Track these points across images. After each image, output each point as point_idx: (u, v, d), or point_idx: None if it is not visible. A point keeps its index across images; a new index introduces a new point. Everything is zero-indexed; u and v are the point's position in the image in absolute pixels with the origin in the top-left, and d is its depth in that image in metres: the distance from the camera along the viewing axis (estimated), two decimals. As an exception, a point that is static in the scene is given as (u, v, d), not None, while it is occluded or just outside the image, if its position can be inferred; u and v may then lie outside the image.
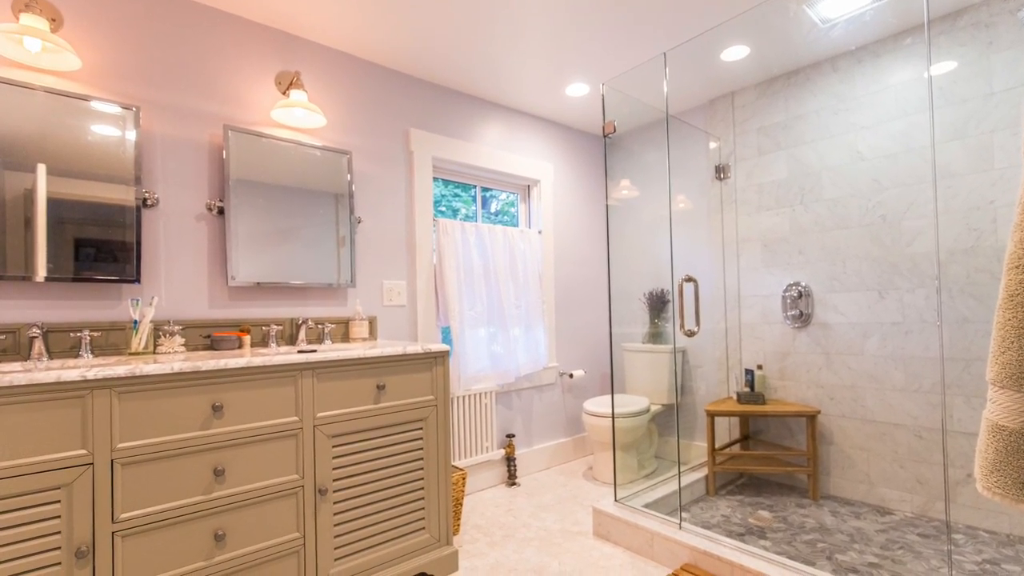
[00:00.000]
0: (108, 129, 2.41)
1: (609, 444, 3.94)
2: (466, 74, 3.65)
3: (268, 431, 2.16)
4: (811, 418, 3.44)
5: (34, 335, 2.17)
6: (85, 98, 2.36)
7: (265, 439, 2.16)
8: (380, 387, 2.49)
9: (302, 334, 2.91)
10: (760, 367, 3.85)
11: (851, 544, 2.90)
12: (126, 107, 2.46)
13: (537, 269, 4.26)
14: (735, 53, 3.51)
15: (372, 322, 3.32)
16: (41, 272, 2.23)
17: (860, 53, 3.44)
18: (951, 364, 3.08)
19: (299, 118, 2.98)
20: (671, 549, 2.72)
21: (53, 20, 2.36)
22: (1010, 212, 2.90)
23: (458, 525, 3.12)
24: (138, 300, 2.41)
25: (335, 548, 2.33)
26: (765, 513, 3.32)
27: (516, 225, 4.51)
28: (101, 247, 2.37)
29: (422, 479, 2.63)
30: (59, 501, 1.74)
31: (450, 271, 3.64)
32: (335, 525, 2.33)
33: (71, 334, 2.30)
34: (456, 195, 4.13)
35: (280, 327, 2.86)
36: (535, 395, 4.36)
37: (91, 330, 2.37)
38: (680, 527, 2.78)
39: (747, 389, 3.89)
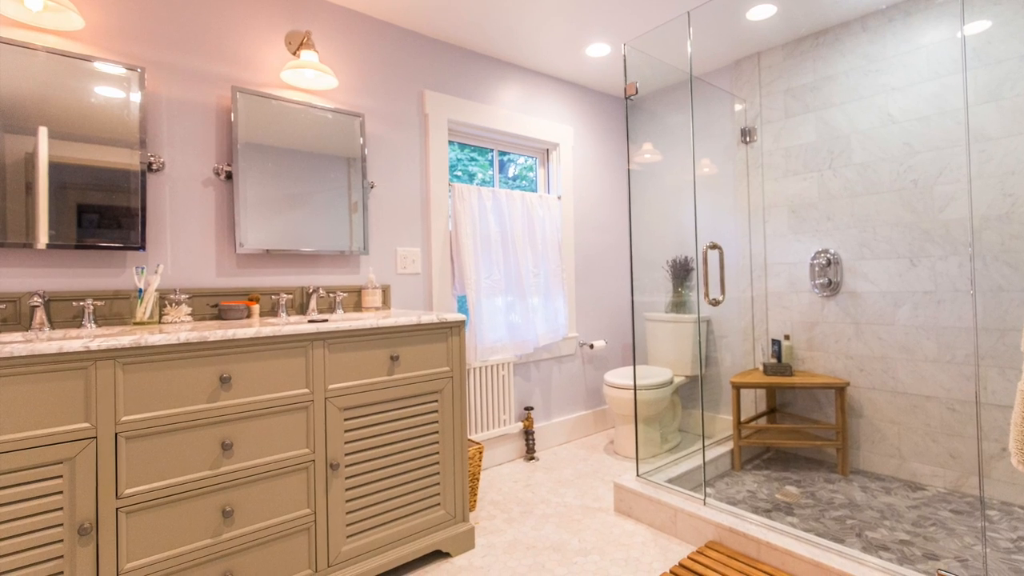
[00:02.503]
0: (112, 91, 2.33)
1: (631, 417, 3.88)
2: (483, 34, 3.52)
3: (278, 404, 2.10)
4: (840, 390, 3.38)
5: (35, 304, 2.11)
6: (88, 59, 2.28)
7: (275, 412, 2.10)
8: (394, 358, 2.42)
9: (313, 303, 2.85)
10: (787, 337, 3.76)
11: (881, 520, 2.84)
12: (130, 68, 2.38)
13: (556, 236, 4.16)
14: (761, 12, 3.39)
15: (385, 291, 3.24)
16: (43, 239, 2.17)
17: (891, 12, 3.33)
18: (985, 334, 3.02)
19: (310, 79, 2.88)
20: (695, 526, 2.65)
21: (52, -24, 2.26)
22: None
23: (474, 501, 3.08)
24: (143, 268, 2.34)
25: (347, 525, 2.28)
26: (792, 489, 3.25)
27: (535, 190, 4.40)
28: (105, 213, 2.30)
29: (437, 453, 2.58)
30: (61, 476, 1.69)
31: (466, 238, 3.54)
32: (347, 501, 2.28)
33: (74, 303, 2.25)
34: (472, 159, 4.03)
35: (290, 296, 2.80)
36: (554, 366, 4.29)
37: (94, 299, 2.31)
38: (704, 503, 2.72)
39: (774, 360, 3.81)
